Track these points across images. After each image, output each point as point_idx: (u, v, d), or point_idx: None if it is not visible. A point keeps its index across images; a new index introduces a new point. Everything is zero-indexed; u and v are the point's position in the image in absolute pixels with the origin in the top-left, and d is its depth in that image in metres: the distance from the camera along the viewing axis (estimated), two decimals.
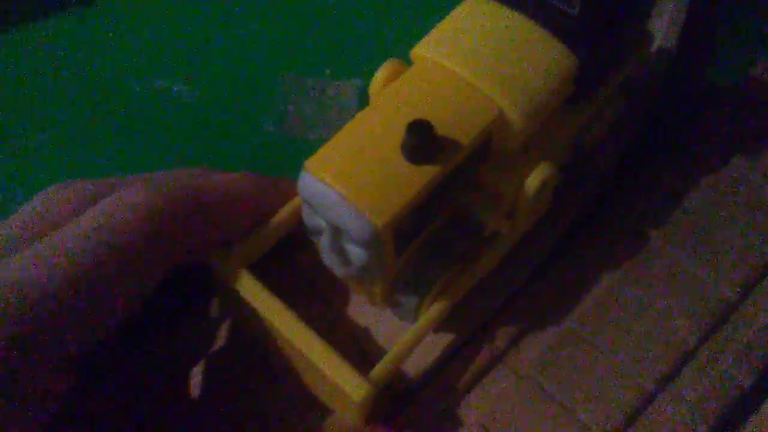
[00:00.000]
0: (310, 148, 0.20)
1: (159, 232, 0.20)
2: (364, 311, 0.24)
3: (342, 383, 0.20)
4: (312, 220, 0.21)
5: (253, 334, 0.23)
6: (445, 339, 0.23)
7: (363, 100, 0.22)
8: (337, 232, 0.20)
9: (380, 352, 0.23)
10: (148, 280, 0.20)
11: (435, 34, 0.21)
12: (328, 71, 0.32)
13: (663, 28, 0.27)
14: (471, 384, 0.23)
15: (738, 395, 0.22)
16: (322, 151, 0.20)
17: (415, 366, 0.23)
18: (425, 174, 0.19)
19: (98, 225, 0.19)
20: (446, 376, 0.23)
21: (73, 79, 0.33)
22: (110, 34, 0.34)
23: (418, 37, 0.21)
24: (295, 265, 0.25)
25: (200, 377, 0.23)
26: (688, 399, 0.22)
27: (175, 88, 0.33)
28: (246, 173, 0.23)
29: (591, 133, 0.24)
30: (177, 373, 0.23)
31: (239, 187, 0.22)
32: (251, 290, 0.21)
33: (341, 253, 0.20)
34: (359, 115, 0.20)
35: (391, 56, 0.22)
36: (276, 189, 0.24)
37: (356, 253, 0.20)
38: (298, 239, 0.24)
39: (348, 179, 0.19)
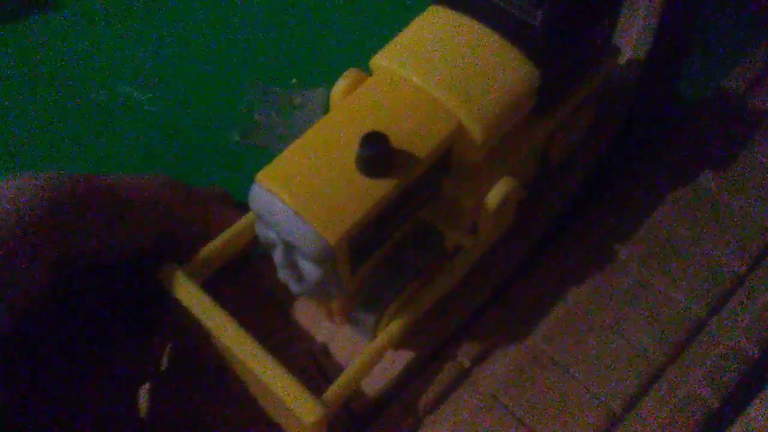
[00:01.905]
0: None
1: (35, 221, 0.19)
2: (323, 327, 0.23)
3: (293, 405, 0.19)
4: (265, 233, 0.20)
5: (206, 353, 0.22)
6: (405, 357, 0.23)
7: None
8: (289, 247, 0.19)
9: (339, 370, 0.22)
10: (33, 271, 0.19)
11: (395, 43, 0.20)
12: (294, 80, 0.32)
13: (632, 42, 0.26)
14: (434, 404, 0.22)
15: (706, 416, 0.22)
16: (275, 163, 0.19)
17: (374, 385, 0.22)
18: (380, 188, 0.18)
19: None
20: (408, 396, 0.22)
21: (36, 83, 0.33)
22: (75, 40, 0.34)
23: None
24: (253, 279, 0.24)
25: (150, 396, 0.22)
26: (655, 420, 0.22)
27: (141, 96, 0.32)
28: (156, 176, 0.23)
29: (558, 147, 0.24)
30: (126, 391, 0.22)
31: (137, 186, 0.22)
32: (201, 307, 0.21)
33: (294, 268, 0.19)
34: (315, 126, 0.20)
35: (357, 64, 0.21)
36: (189, 195, 0.23)
37: (309, 269, 0.19)
38: (255, 253, 0.23)
39: (300, 193, 0.18)
